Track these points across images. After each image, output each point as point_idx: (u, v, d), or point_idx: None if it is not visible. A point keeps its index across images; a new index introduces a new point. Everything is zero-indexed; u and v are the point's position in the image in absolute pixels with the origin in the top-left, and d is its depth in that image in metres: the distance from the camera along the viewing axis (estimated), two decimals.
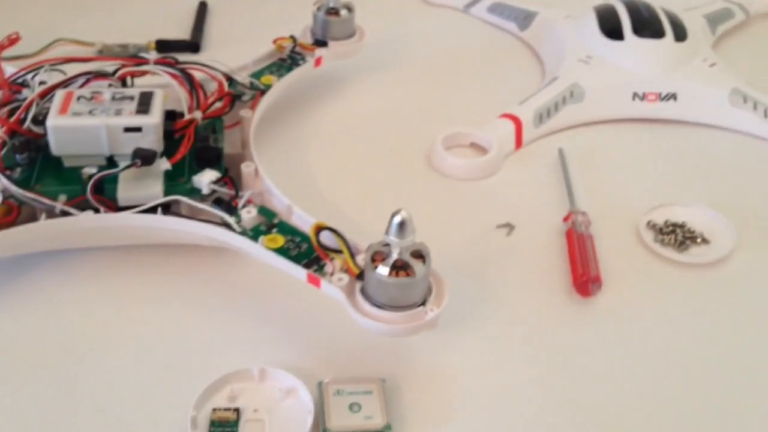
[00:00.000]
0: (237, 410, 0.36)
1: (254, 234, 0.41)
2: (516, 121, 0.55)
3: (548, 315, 0.43)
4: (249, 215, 0.42)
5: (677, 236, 0.47)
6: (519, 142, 0.55)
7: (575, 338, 0.41)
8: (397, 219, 0.35)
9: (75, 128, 0.43)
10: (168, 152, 0.45)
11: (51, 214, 0.42)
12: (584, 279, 0.43)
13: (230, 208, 0.43)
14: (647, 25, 0.60)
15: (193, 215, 0.43)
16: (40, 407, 0.37)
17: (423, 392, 0.38)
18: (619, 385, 0.39)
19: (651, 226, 0.48)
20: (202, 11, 0.70)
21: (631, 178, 0.53)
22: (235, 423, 0.36)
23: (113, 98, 0.45)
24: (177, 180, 0.44)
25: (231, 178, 0.45)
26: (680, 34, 0.60)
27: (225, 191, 0.44)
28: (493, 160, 0.53)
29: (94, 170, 0.43)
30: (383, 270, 0.36)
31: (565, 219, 0.48)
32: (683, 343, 0.41)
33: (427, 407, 0.37)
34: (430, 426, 0.37)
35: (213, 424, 0.36)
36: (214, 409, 0.36)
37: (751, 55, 0.68)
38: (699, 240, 0.47)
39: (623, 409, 0.38)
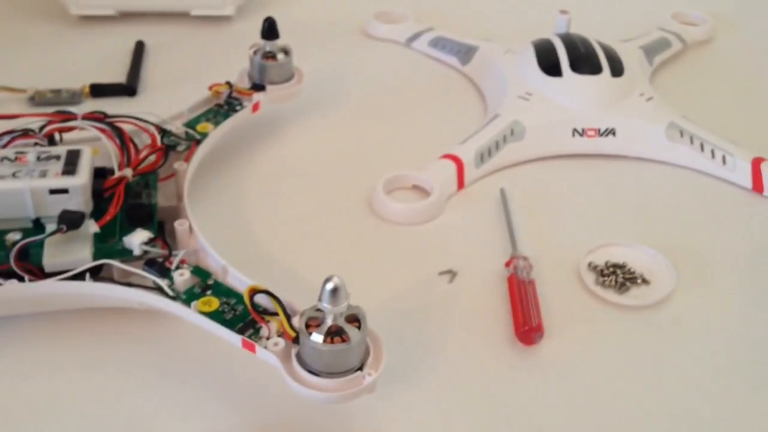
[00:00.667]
0: None
1: (188, 297, 0.40)
2: (457, 161, 0.55)
3: (491, 367, 0.42)
4: (182, 278, 0.41)
5: (618, 278, 0.47)
6: (461, 183, 0.55)
7: (519, 390, 0.41)
8: (329, 286, 0.34)
9: None
10: (98, 212, 0.43)
11: None
12: (526, 329, 0.43)
13: (163, 269, 0.42)
14: (584, 61, 0.60)
15: (125, 278, 0.42)
16: None
17: None
18: None
19: (592, 267, 0.48)
20: (139, 51, 0.69)
21: (573, 216, 0.53)
22: None
23: (38, 158, 0.43)
24: (107, 241, 0.43)
25: (164, 237, 0.44)
26: (617, 69, 0.61)
27: (158, 251, 0.43)
28: (435, 203, 0.53)
29: (18, 236, 0.41)
30: (317, 337, 0.35)
31: (507, 264, 0.48)
32: (626, 389, 0.41)
33: None
34: None
35: None
36: None
37: (688, 85, 0.69)
38: (639, 281, 0.47)
39: None
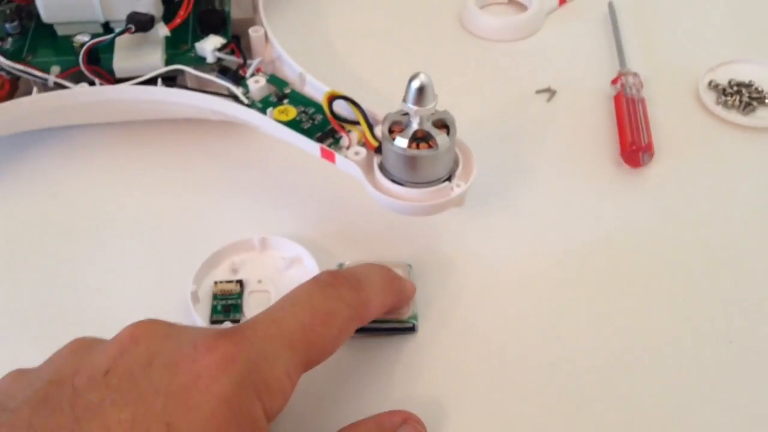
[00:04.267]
0: (240, 282, 0.34)
1: (263, 106, 0.37)
2: None
3: (591, 188, 0.39)
4: (257, 85, 0.38)
5: (742, 97, 0.42)
6: None
7: (622, 213, 0.37)
8: (415, 83, 0.31)
9: None
10: (169, 16, 0.40)
11: (45, 87, 0.39)
12: (633, 148, 0.39)
13: (237, 77, 0.39)
14: None
15: (198, 87, 0.39)
16: (38, 289, 0.35)
17: (451, 277, 0.35)
18: (673, 263, 0.35)
19: (713, 86, 0.43)
20: None
21: (693, 31, 0.47)
22: (239, 295, 0.33)
23: None
24: (179, 48, 0.40)
25: (238, 44, 0.41)
26: None
27: (232, 59, 0.40)
28: (533, 17, 0.47)
29: (86, 38, 0.39)
30: (401, 142, 0.32)
31: (614, 81, 0.43)
32: (747, 216, 0.37)
33: (455, 293, 0.34)
34: (459, 312, 0.34)
35: (216, 297, 0.33)
36: (216, 282, 0.34)
37: None
38: None
39: (676, 289, 0.34)
